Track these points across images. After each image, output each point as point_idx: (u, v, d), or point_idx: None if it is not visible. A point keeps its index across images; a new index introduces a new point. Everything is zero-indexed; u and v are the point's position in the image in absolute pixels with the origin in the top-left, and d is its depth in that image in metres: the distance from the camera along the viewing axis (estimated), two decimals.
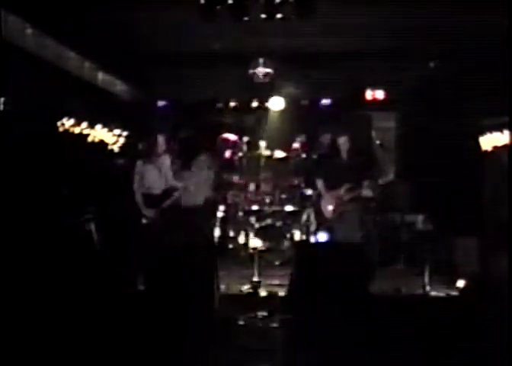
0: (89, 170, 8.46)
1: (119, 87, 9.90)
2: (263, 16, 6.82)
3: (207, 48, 8.68)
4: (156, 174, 7.43)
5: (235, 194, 9.19)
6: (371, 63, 9.11)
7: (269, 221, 8.74)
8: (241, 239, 8.78)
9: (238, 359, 4.88)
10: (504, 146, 8.24)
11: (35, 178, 6.74)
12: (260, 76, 9.66)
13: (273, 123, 10.42)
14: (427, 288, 6.80)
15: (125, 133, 9.78)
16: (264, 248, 8.34)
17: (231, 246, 8.91)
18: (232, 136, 10.05)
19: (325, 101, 10.31)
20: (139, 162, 7.46)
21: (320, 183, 7.76)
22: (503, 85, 7.21)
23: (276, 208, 8.96)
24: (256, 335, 5.51)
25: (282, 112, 10.37)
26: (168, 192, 7.40)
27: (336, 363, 4.79)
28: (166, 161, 7.56)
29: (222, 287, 6.70)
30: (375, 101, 10.18)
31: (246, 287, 6.97)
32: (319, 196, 7.84)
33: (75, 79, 8.14)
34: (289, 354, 5.11)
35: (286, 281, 6.38)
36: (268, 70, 9.62)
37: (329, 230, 7.76)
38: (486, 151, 8.71)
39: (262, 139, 9.79)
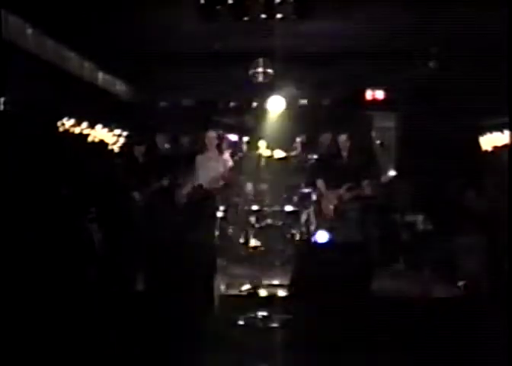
0: (89, 170, 8.47)
1: (119, 87, 9.90)
2: (263, 16, 6.83)
3: (207, 48, 8.68)
4: (206, 169, 7.83)
5: (235, 194, 9.18)
6: (371, 63, 9.11)
7: (269, 221, 8.73)
8: (241, 239, 8.77)
9: (238, 359, 4.88)
10: (504, 146, 8.25)
11: (35, 178, 6.73)
12: (260, 76, 9.66)
13: (273, 123, 10.42)
14: (427, 288, 6.80)
15: (125, 133, 9.79)
16: (264, 249, 8.34)
17: (231, 246, 8.90)
18: (232, 136, 10.06)
19: (325, 101, 10.30)
20: (199, 156, 7.96)
21: (320, 183, 7.76)
22: (503, 85, 7.21)
23: (276, 208, 8.95)
24: (256, 335, 5.51)
25: (282, 112, 10.37)
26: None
27: (336, 363, 4.79)
28: (225, 161, 8.06)
29: (222, 287, 6.70)
30: (375, 101, 10.18)
31: (246, 287, 6.96)
32: (319, 196, 7.84)
33: (75, 79, 8.14)
34: (289, 354, 5.11)
35: (286, 281, 6.37)
36: (268, 70, 9.61)
37: (329, 230, 7.77)
38: (486, 151, 8.71)
39: (262, 139, 9.79)
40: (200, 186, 7.86)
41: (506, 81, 7.09)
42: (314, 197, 8.51)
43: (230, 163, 8.05)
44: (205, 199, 7.83)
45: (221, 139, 8.45)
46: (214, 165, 7.90)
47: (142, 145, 8.12)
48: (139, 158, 8.04)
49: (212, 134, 7.99)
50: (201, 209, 7.81)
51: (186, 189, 7.92)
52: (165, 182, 7.90)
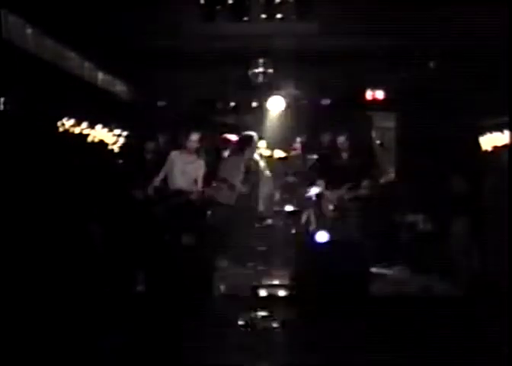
0: (89, 170, 8.46)
1: (119, 87, 9.90)
2: (263, 16, 6.83)
3: (207, 48, 8.67)
4: (180, 170, 7.57)
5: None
6: (371, 63, 9.10)
7: (269, 221, 8.72)
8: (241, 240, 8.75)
9: (238, 359, 4.88)
10: (504, 146, 8.25)
11: (35, 178, 6.73)
12: (260, 76, 9.65)
13: (273, 123, 10.41)
14: (428, 288, 6.80)
15: (125, 133, 9.78)
16: (264, 249, 8.33)
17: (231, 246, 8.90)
18: (232, 136, 10.05)
19: (325, 101, 10.29)
20: (173, 153, 7.66)
21: (320, 183, 7.76)
22: (503, 85, 7.21)
23: (276, 208, 8.95)
24: (256, 335, 5.51)
25: (282, 112, 10.36)
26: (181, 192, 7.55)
27: (336, 363, 4.79)
28: (201, 166, 7.72)
29: (222, 287, 6.70)
30: (375, 101, 10.17)
31: (246, 287, 6.96)
32: (319, 196, 7.84)
33: (75, 79, 8.13)
34: (289, 354, 5.12)
35: (286, 281, 6.38)
36: (268, 70, 9.61)
37: (329, 230, 7.77)
38: (486, 151, 8.71)
39: (262, 139, 9.78)
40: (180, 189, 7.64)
41: (506, 81, 7.10)
42: (314, 197, 8.51)
43: (202, 171, 7.72)
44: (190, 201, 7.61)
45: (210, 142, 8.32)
46: (190, 169, 7.71)
47: (142, 144, 8.11)
48: (139, 157, 8.04)
49: (194, 137, 7.80)
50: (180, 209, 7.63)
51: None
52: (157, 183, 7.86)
